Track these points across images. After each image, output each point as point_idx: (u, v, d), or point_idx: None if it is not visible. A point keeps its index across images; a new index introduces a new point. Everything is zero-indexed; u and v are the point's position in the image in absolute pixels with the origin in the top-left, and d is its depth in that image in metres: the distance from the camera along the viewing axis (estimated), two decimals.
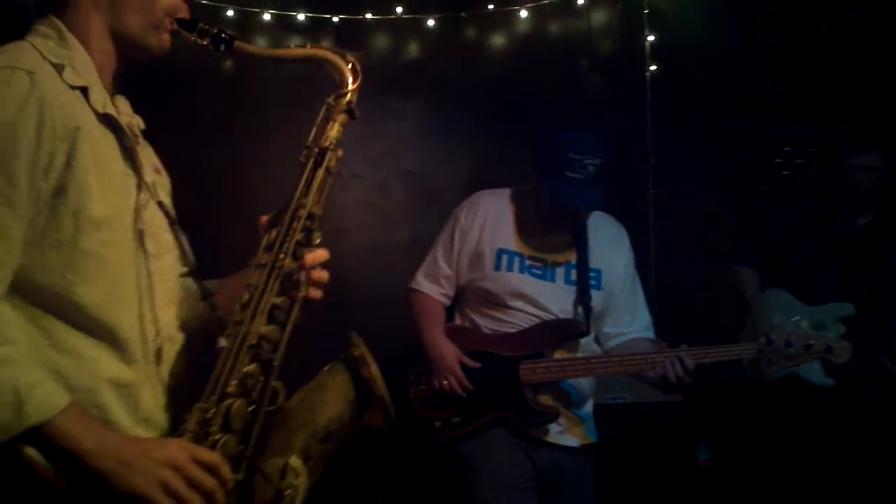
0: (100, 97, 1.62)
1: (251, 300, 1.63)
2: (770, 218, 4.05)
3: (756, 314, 3.92)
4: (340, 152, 1.73)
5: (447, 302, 3.20)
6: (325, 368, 1.70)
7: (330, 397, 1.65)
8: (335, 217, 4.88)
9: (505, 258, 3.06)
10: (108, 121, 1.63)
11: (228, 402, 1.58)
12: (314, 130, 1.73)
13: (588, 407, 3.14)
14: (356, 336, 1.72)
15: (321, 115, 1.73)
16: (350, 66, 1.74)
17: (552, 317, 3.03)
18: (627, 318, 3.13)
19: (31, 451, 1.47)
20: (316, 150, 1.71)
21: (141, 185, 1.67)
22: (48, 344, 1.53)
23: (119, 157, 1.64)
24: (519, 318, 3.03)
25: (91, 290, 1.55)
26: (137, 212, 1.65)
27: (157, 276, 1.67)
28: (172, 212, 1.75)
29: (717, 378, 3.30)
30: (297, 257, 1.66)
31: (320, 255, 1.70)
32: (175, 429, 1.63)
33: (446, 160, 5.02)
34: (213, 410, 1.57)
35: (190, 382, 1.70)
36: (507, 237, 3.09)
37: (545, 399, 3.00)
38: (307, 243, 1.68)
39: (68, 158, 1.52)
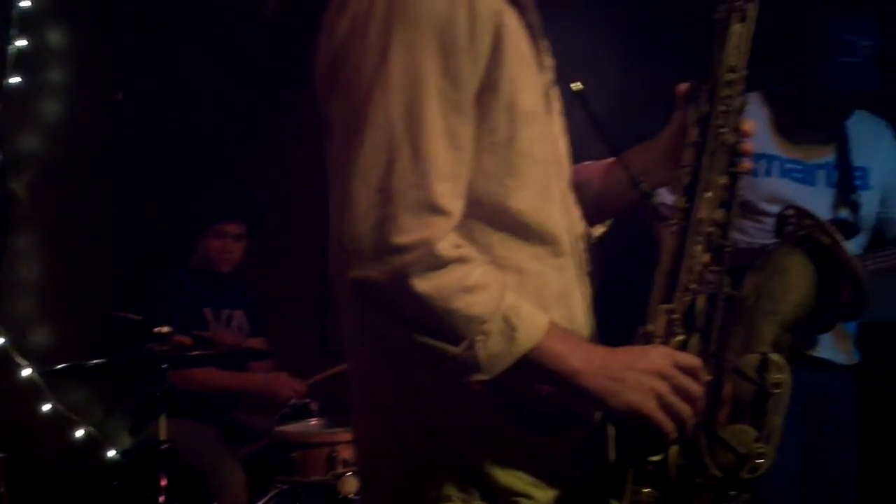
0: None
1: (696, 182, 1.44)
2: None
3: None
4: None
5: None
6: (772, 250, 1.52)
7: (792, 281, 1.47)
8: None
9: (762, 163, 2.82)
10: None
11: (689, 298, 1.41)
12: None
13: (853, 322, 2.90)
14: (794, 207, 1.53)
15: None
16: None
17: None
18: None
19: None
20: (736, 2, 1.49)
21: (543, 63, 1.46)
22: (488, 260, 1.36)
23: (526, 38, 1.42)
24: None
25: (529, 195, 1.38)
26: (547, 95, 1.45)
27: (563, 162, 1.50)
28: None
29: None
30: (736, 128, 1.47)
31: (753, 125, 1.50)
32: (595, 336, 1.49)
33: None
34: (676, 310, 1.41)
35: (590, 277, 1.54)
36: (764, 140, 2.83)
37: None
38: (741, 110, 1.48)
39: (494, 47, 1.32)
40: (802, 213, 1.51)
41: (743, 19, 1.49)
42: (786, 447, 2.70)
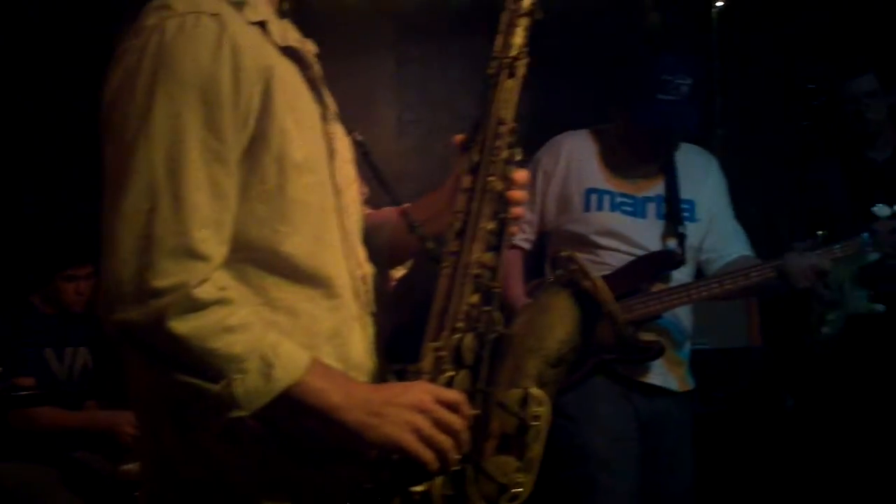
0: (277, 29, 1.50)
1: (465, 227, 1.54)
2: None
3: None
4: (527, 59, 1.62)
5: (527, 246, 3.08)
6: (544, 290, 1.62)
7: (556, 319, 1.57)
8: (392, 162, 4.69)
9: (594, 197, 2.98)
10: (289, 53, 1.51)
11: (458, 336, 1.50)
12: (499, 39, 1.61)
13: (687, 349, 3.06)
14: (568, 252, 1.64)
15: (503, 22, 1.61)
16: None
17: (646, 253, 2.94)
18: (727, 240, 3.06)
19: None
20: (506, 60, 1.59)
21: (326, 115, 1.55)
22: (262, 302, 1.45)
23: (305, 91, 1.52)
24: (611, 258, 2.94)
25: (302, 240, 1.47)
26: (329, 146, 1.54)
27: (347, 210, 1.58)
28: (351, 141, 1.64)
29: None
30: (505, 177, 1.56)
31: (524, 174, 1.60)
32: (382, 372, 1.58)
33: None
34: (444, 348, 1.49)
35: (384, 318, 1.63)
36: (595, 175, 3.00)
37: (648, 336, 2.89)
38: (511, 160, 1.58)
39: (263, 101, 1.41)
40: (570, 258, 1.62)
41: (512, 75, 1.59)
42: (621, 472, 2.89)
